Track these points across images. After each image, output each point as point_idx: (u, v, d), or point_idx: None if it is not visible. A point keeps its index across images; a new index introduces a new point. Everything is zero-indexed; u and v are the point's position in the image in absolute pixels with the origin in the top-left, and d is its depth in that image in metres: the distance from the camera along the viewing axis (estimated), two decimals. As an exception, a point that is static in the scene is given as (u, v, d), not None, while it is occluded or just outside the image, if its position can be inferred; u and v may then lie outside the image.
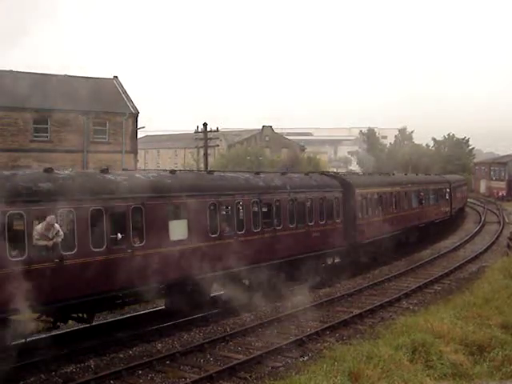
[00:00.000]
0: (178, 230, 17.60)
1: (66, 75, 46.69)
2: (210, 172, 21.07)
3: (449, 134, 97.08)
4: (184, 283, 18.05)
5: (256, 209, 20.88)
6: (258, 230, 20.75)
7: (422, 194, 37.71)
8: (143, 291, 16.40)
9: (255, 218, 20.74)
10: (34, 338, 16.37)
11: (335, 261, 27.43)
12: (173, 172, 19.02)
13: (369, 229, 28.45)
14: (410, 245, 35.43)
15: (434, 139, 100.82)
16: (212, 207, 19.00)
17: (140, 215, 16.43)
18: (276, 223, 21.71)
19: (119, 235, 16.14)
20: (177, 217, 17.90)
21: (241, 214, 20.28)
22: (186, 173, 22.52)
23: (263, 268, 20.54)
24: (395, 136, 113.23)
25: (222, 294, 20.71)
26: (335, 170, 64.67)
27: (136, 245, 16.22)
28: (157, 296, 18.18)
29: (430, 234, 39.67)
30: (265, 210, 21.41)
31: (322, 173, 29.48)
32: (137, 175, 17.93)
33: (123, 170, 24.87)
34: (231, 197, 19.86)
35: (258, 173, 23.12)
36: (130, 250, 15.97)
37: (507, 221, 51.99)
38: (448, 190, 45.13)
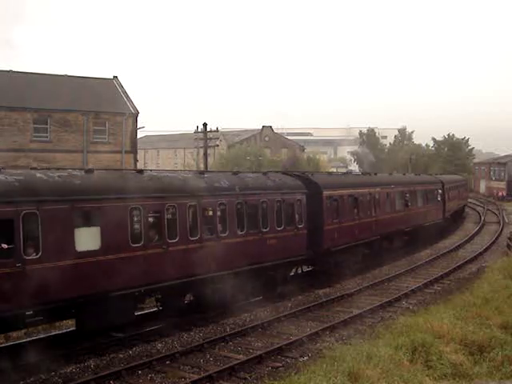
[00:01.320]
0: (87, 239, 15.21)
1: (65, 75, 46.77)
2: (141, 171, 18.33)
3: (448, 134, 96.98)
4: (98, 301, 15.46)
5: (194, 214, 18.43)
6: (197, 239, 18.19)
7: (407, 195, 34.93)
8: (39, 312, 14.23)
9: (193, 225, 18.24)
10: (33, 339, 16.46)
11: (303, 270, 25.95)
12: (89, 171, 16.47)
13: (340, 235, 25.78)
14: (394, 250, 32.79)
15: (433, 139, 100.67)
16: (135, 212, 16.57)
17: (35, 222, 14.05)
18: (221, 230, 19.22)
19: (3, 245, 13.66)
20: (86, 224, 15.40)
21: (174, 221, 17.64)
22: (107, 172, 18.95)
23: (203, 281, 18.53)
24: (395, 136, 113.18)
25: (151, 311, 19.10)
26: (335, 170, 64.76)
27: (29, 257, 13.86)
28: (62, 317, 16.19)
29: (418, 238, 36.47)
30: (207, 214, 19.09)
31: (285, 172, 26.71)
32: (38, 175, 15.16)
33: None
34: (160, 200, 17.28)
35: (202, 172, 20.94)
36: (19, 264, 13.57)
37: (507, 221, 51.99)
38: (440, 190, 41.96)
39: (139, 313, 18.85)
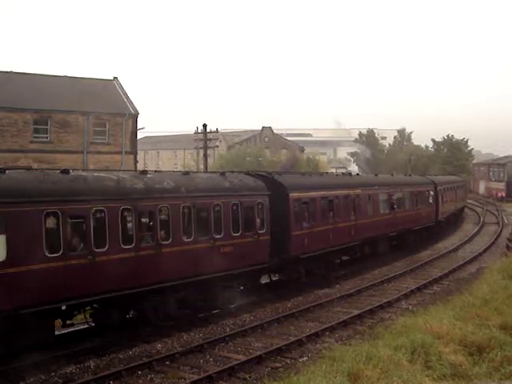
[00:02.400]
0: None
1: (66, 76, 46.83)
2: (66, 171, 15.95)
3: (448, 135, 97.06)
4: (4, 319, 13.58)
5: (129, 219, 16.62)
6: (131, 247, 16.20)
7: (393, 197, 32.71)
8: None
9: (126, 231, 16.35)
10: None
11: (268, 280, 24.40)
12: (1, 171, 14.60)
13: (311, 240, 23.71)
14: (378, 256, 31.17)
15: (433, 140, 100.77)
16: (52, 218, 14.76)
17: None
18: (162, 237, 17.21)
19: None
20: None
21: (103, 227, 15.69)
22: (21, 173, 16.09)
23: (140, 296, 16.69)
24: (394, 137, 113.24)
25: (80, 328, 17.38)
26: (334, 171, 64.72)
27: None
28: None
29: (406, 243, 35.14)
30: (144, 220, 17.26)
31: (248, 172, 23.82)
32: None
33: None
34: (85, 204, 15.28)
35: (144, 172, 18.31)
36: None
37: (506, 222, 52.00)
38: (432, 192, 39.52)
39: (64, 331, 17.06)
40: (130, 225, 16.65)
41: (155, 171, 20.20)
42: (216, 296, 19.60)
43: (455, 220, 51.03)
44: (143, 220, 17.26)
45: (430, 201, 38.99)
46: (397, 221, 32.80)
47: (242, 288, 21.25)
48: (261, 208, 21.19)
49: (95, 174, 16.99)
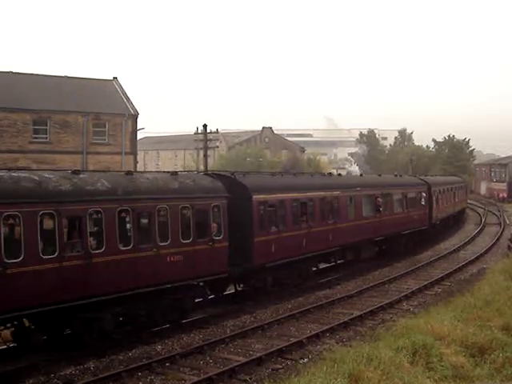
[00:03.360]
0: None
1: (65, 76, 46.80)
2: None
3: (449, 136, 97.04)
4: None
5: (50, 225, 14.75)
6: (53, 257, 14.42)
7: (379, 199, 30.58)
8: None
9: (47, 239, 14.53)
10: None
11: (234, 290, 22.43)
12: None
13: (280, 247, 21.83)
14: (362, 263, 29.53)
15: (434, 140, 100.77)
16: None
17: None
18: (93, 245, 15.46)
19: None
20: None
21: (16, 235, 14.11)
22: None
23: (69, 311, 15.01)
24: (395, 137, 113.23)
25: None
26: (335, 172, 64.64)
27: None
28: None
29: (396, 247, 33.14)
30: (70, 226, 15.51)
31: (206, 173, 22.13)
32: None
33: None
34: None
35: (76, 172, 16.31)
36: None
37: (508, 222, 51.93)
38: (425, 194, 37.13)
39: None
40: (51, 232, 14.64)
41: (95, 171, 19.41)
42: (162, 310, 17.61)
43: (454, 223, 49.31)
44: (69, 226, 15.43)
45: (423, 203, 36.72)
46: (383, 224, 30.78)
47: (200, 299, 19.55)
48: (217, 212, 19.18)
49: (12, 174, 14.75)
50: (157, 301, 17.30)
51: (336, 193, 26.41)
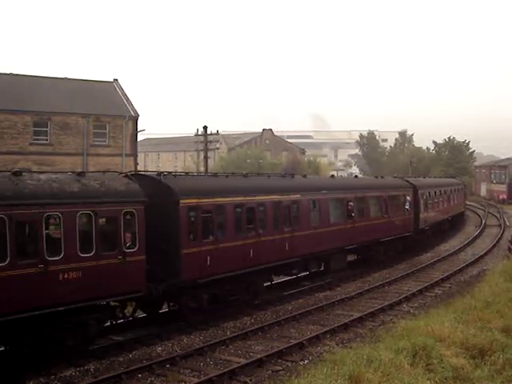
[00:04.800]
0: None
1: (66, 78, 46.88)
2: None
3: (449, 137, 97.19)
4: None
5: None
6: None
7: (351, 203, 27.39)
8: None
9: None
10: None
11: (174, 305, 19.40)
12: None
13: (217, 259, 18.90)
14: (329, 274, 26.52)
15: (434, 142, 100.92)
16: None
17: None
18: None
19: None
20: None
21: None
22: None
23: None
24: (395, 139, 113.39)
25: None
26: (335, 173, 64.65)
27: None
28: None
29: (374, 256, 30.23)
30: None
31: (126, 174, 17.99)
32: None
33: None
34: None
35: None
36: None
37: (508, 224, 51.92)
38: (409, 197, 33.81)
39: None
40: None
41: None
42: (57, 336, 15.00)
43: (450, 227, 46.54)
44: None
45: (407, 207, 33.46)
46: (357, 231, 27.53)
47: (113, 322, 17.09)
48: (131, 220, 16.20)
49: None
50: (43, 327, 14.56)
51: (295, 196, 23.36)
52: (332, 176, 32.34)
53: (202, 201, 18.69)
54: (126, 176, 17.42)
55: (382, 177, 39.11)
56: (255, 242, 20.73)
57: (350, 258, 29.60)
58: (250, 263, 20.45)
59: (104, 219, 15.85)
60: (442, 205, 42.62)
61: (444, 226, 44.36)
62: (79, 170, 17.85)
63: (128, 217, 16.17)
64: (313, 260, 24.80)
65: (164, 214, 17.64)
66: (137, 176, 18.25)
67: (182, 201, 17.94)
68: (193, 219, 18.49)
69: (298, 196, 23.57)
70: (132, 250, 16.12)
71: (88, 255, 15.05)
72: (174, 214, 17.82)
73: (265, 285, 22.54)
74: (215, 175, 22.24)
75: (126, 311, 17.23)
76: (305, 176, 28.19)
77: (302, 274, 25.74)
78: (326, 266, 26.42)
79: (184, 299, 18.61)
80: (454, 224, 48.16)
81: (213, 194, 19.34)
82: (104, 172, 17.49)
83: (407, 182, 36.13)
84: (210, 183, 20.93)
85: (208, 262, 18.63)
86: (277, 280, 24.42)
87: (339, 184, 28.84)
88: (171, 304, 19.24)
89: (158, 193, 17.58)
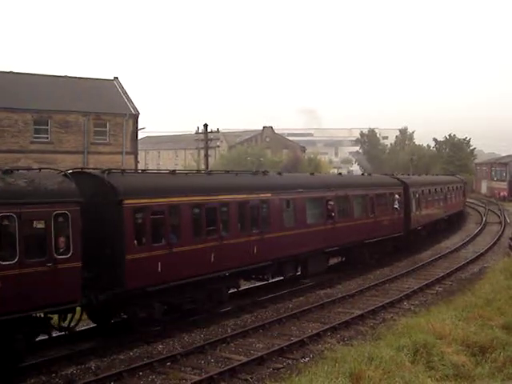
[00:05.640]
0: None
1: (66, 76, 46.88)
2: None
3: (450, 135, 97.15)
4: None
5: None
6: None
7: (331, 202, 25.60)
8: None
9: None
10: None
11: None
12: None
13: (171, 265, 17.21)
14: (312, 277, 25.08)
15: (434, 139, 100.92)
16: None
17: None
18: None
19: None
20: None
21: None
22: None
23: None
24: (396, 136, 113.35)
25: None
26: (336, 171, 64.68)
27: None
28: None
29: (359, 258, 28.60)
30: None
31: (65, 172, 15.57)
32: None
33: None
34: None
35: None
36: None
37: (508, 221, 51.91)
38: (398, 196, 31.95)
39: None
40: None
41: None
42: None
43: (447, 227, 45.15)
44: None
45: (396, 206, 31.72)
46: (338, 232, 25.77)
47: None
48: (64, 222, 14.46)
49: None
50: None
51: (265, 195, 21.67)
52: (311, 174, 29.68)
53: (152, 201, 17.04)
54: (64, 174, 15.50)
55: (370, 174, 37.86)
56: (217, 245, 18.99)
57: (336, 260, 28.90)
58: (211, 268, 18.78)
59: (30, 222, 14.14)
60: (438, 203, 41.17)
61: (440, 225, 43.05)
62: (10, 167, 15.90)
63: (60, 219, 14.39)
64: (287, 264, 23.17)
65: (107, 215, 16.06)
66: (78, 174, 16.86)
67: (126, 201, 16.17)
68: (140, 221, 16.74)
69: (269, 195, 21.90)
70: (65, 257, 14.35)
71: (9, 263, 13.31)
72: (117, 215, 16.06)
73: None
74: (173, 173, 19.59)
75: (65, 323, 15.46)
76: (280, 173, 26.05)
77: (276, 280, 23.97)
78: (303, 270, 24.69)
79: (132, 309, 16.90)
80: (451, 223, 46.78)
81: (166, 194, 17.65)
82: (40, 169, 16.02)
83: (397, 179, 34.45)
84: (164, 181, 18.87)
85: (159, 269, 16.88)
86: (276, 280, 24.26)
87: (318, 182, 26.88)
88: (121, 314, 17.56)
89: (100, 192, 16.15)
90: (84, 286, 14.94)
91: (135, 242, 16.42)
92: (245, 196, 20.64)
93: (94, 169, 18.81)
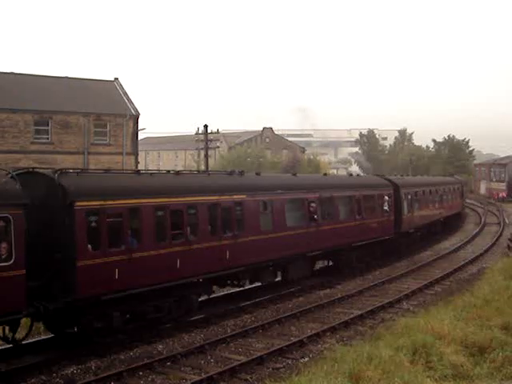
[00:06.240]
0: None
1: (66, 77, 46.93)
2: None
3: (449, 136, 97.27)
4: None
5: None
6: None
7: (313, 204, 24.42)
8: None
9: None
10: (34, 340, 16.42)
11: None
12: None
13: (130, 271, 16.08)
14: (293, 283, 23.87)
15: (434, 140, 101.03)
16: None
17: None
18: None
19: None
20: None
21: None
22: None
23: None
24: (395, 137, 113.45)
25: None
26: (335, 172, 64.70)
27: None
28: None
29: (347, 262, 27.58)
30: None
31: (9, 172, 15.11)
32: None
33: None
34: None
35: None
36: None
37: (507, 222, 51.96)
38: (387, 197, 30.82)
39: None
40: None
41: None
42: None
43: (443, 229, 44.07)
44: None
45: (386, 208, 30.63)
46: (322, 235, 24.57)
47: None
48: (6, 227, 13.51)
49: None
50: None
51: (239, 197, 20.45)
52: (294, 174, 28.11)
53: (108, 203, 15.75)
54: (8, 174, 14.54)
55: (358, 175, 37.04)
56: (184, 250, 17.80)
57: (322, 264, 28.56)
58: (178, 275, 17.64)
59: None
60: (433, 205, 40.13)
61: (436, 227, 42.06)
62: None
63: (1, 223, 13.38)
64: (265, 269, 22.04)
65: (57, 218, 14.95)
66: (28, 174, 15.69)
67: (78, 203, 15.02)
68: (94, 225, 15.45)
69: (244, 196, 20.66)
70: (6, 264, 13.26)
71: None
72: (67, 218, 14.90)
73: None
74: (137, 173, 18.67)
75: (10, 334, 14.72)
76: (258, 174, 24.56)
77: (252, 286, 23.08)
78: (284, 275, 23.75)
79: (86, 319, 15.71)
80: (448, 225, 45.94)
81: (125, 195, 16.38)
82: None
83: (388, 180, 33.23)
84: (125, 182, 17.47)
85: (117, 275, 15.75)
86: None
87: (299, 183, 25.44)
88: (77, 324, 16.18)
89: (50, 194, 15.07)
90: (31, 295, 13.89)
91: (89, 246, 15.20)
92: (216, 197, 19.42)
93: (46, 168, 18.00)
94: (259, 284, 22.91)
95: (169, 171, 20.02)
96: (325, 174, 32.60)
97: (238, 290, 23.01)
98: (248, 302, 21.58)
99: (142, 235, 16.62)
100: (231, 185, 20.87)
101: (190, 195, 18.44)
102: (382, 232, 30.22)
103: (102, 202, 15.59)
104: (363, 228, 28.28)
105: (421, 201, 36.80)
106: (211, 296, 20.83)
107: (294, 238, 22.91)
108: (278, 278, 23.92)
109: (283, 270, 23.59)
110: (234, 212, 20.16)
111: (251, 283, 22.65)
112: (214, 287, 21.06)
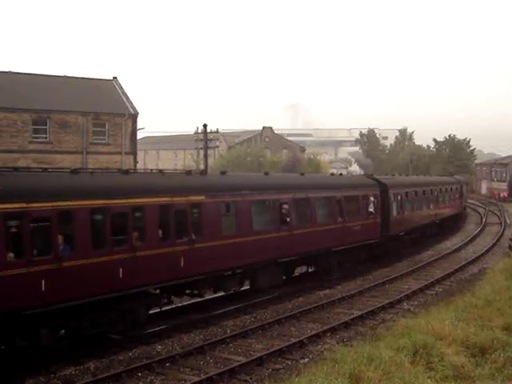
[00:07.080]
0: None
1: (65, 76, 46.85)
2: None
3: (450, 135, 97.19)
4: None
5: None
6: None
7: (285, 206, 22.53)
8: None
9: None
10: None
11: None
12: None
13: (61, 283, 14.35)
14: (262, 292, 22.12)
15: (434, 140, 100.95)
16: None
17: None
18: None
19: None
20: None
21: None
22: None
23: None
24: (396, 137, 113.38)
25: None
26: (335, 171, 64.64)
27: None
28: None
29: (327, 267, 26.02)
30: None
31: None
32: None
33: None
34: None
35: None
36: None
37: (508, 222, 51.90)
38: (373, 198, 29.00)
39: None
40: None
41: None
42: None
43: (439, 231, 42.36)
44: None
45: (371, 209, 28.76)
46: (295, 240, 22.69)
47: None
48: None
49: None
50: None
51: (196, 198, 18.61)
52: (266, 173, 25.61)
53: (32, 205, 13.96)
54: None
55: (341, 174, 35.01)
56: (128, 257, 16.02)
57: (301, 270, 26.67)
58: (120, 285, 15.88)
59: None
60: (427, 206, 38.02)
61: (430, 230, 40.08)
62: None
63: None
64: (228, 277, 20.21)
65: None
66: None
67: None
68: (15, 230, 13.76)
69: (202, 198, 18.81)
70: None
71: None
72: None
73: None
74: (74, 172, 16.49)
75: None
76: (224, 173, 22.62)
77: (214, 296, 21.55)
78: (252, 283, 22.11)
79: (6, 336, 14.03)
80: (446, 228, 44.31)
81: (55, 197, 14.54)
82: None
83: (375, 180, 31.23)
84: (56, 182, 15.54)
85: (43, 287, 13.97)
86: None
87: (270, 183, 23.42)
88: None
89: None
90: None
91: (9, 255, 13.53)
92: (168, 199, 17.53)
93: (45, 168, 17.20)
94: (223, 293, 21.28)
95: (119, 170, 18.67)
96: (302, 174, 29.90)
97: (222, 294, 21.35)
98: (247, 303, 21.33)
99: (75, 242, 14.90)
100: (187, 185, 18.97)
101: (137, 196, 16.63)
102: (366, 236, 28.14)
103: (24, 205, 13.79)
104: (345, 231, 26.23)
105: (413, 202, 34.85)
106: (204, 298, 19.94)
107: (262, 242, 21.09)
108: (247, 287, 22.33)
109: (251, 278, 21.86)
110: (191, 215, 18.44)
111: (215, 293, 21.20)
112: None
